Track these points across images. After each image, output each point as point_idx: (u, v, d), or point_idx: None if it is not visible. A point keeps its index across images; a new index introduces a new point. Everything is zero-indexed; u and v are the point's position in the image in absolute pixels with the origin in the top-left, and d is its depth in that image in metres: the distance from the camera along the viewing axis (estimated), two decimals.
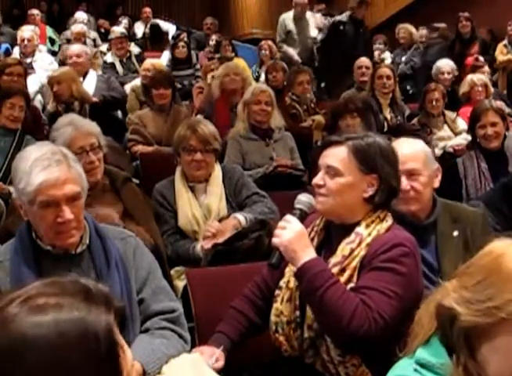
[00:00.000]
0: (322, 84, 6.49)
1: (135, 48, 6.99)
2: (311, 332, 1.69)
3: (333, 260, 1.70)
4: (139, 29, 8.84)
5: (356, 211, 1.75)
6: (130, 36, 7.77)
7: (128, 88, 5.51)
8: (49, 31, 8.28)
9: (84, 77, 5.06)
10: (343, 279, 1.66)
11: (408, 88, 6.35)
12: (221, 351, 1.75)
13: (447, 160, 3.68)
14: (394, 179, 1.78)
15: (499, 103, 4.24)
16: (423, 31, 7.37)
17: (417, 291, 1.66)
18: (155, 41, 8.04)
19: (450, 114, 4.81)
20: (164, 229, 2.81)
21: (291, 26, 6.92)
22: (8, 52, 6.31)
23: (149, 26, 8.30)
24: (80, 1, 10.45)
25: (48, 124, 4.22)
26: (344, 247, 1.70)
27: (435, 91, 4.69)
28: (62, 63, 6.09)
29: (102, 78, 5.22)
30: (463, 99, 5.06)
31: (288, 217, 1.70)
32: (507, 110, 4.71)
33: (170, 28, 8.94)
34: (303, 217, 1.73)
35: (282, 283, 1.80)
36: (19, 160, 1.72)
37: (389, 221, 1.76)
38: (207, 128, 2.94)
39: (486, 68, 6.02)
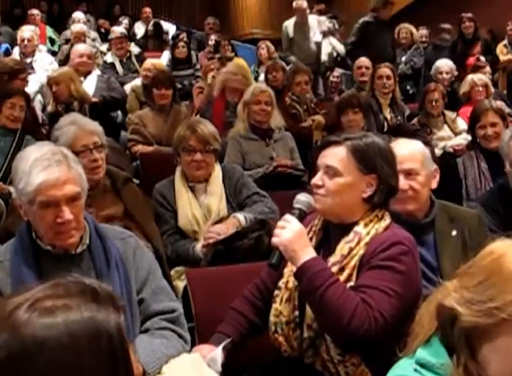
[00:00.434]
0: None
1: (135, 48, 6.99)
2: (311, 332, 1.69)
3: (332, 259, 1.70)
4: (139, 29, 8.84)
5: (355, 210, 1.75)
6: (130, 36, 7.77)
7: (127, 88, 5.51)
8: (49, 31, 8.28)
9: (85, 77, 5.05)
10: (342, 278, 1.66)
11: (408, 88, 6.35)
12: (221, 348, 1.76)
13: (447, 160, 3.68)
14: (393, 179, 1.78)
15: (499, 103, 4.23)
16: (423, 31, 7.38)
17: (416, 290, 1.67)
18: (157, 39, 8.04)
19: (450, 114, 4.81)
20: (163, 229, 2.81)
21: (294, 33, 6.84)
22: (8, 52, 6.31)
23: (152, 23, 8.30)
24: (80, 2, 10.46)
25: (49, 124, 4.22)
26: (342, 247, 1.70)
27: (435, 91, 4.69)
28: (62, 63, 6.09)
29: (102, 78, 5.22)
30: (464, 99, 5.06)
31: (287, 217, 1.70)
32: (507, 110, 4.71)
33: (170, 28, 8.95)
34: (302, 217, 1.73)
35: (281, 283, 1.80)
36: (19, 160, 1.72)
37: (387, 220, 1.76)
38: (207, 128, 2.94)
39: (487, 68, 6.02)
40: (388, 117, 4.98)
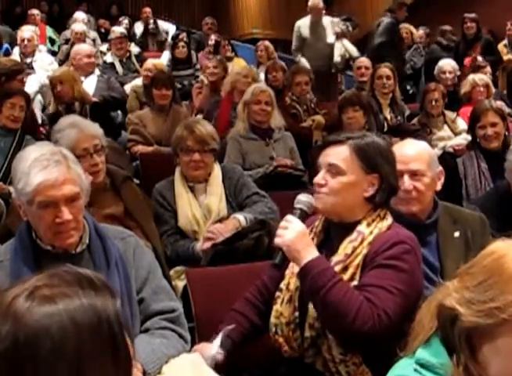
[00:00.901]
0: None
1: (134, 48, 6.99)
2: (313, 331, 1.69)
3: (336, 258, 1.70)
4: (139, 29, 8.85)
5: (356, 210, 1.75)
6: (130, 36, 7.77)
7: (127, 88, 5.51)
8: (49, 31, 8.28)
9: (85, 77, 5.05)
10: (345, 277, 1.66)
11: (408, 88, 6.35)
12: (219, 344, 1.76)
13: (447, 161, 3.67)
14: (394, 179, 1.79)
15: (499, 103, 4.23)
16: (421, 31, 7.38)
17: (419, 289, 1.67)
18: (155, 37, 8.08)
19: (450, 114, 4.81)
20: (163, 230, 2.81)
21: (307, 33, 6.68)
22: (7, 52, 6.31)
23: (151, 22, 8.34)
24: (80, 2, 10.46)
25: (49, 124, 4.22)
26: (346, 246, 1.71)
27: (435, 91, 4.69)
28: (62, 63, 6.09)
29: (102, 78, 5.22)
30: (464, 99, 5.06)
31: (289, 217, 1.70)
32: (507, 110, 4.71)
33: (170, 28, 8.95)
34: (303, 217, 1.73)
35: (282, 285, 1.80)
36: (19, 160, 1.72)
37: (389, 219, 1.77)
38: (205, 128, 2.93)
39: (488, 68, 6.02)
40: (388, 117, 4.98)
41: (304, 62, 6.52)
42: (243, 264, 2.38)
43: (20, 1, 10.61)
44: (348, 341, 1.62)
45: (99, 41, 7.73)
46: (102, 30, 8.50)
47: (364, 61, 5.86)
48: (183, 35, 7.28)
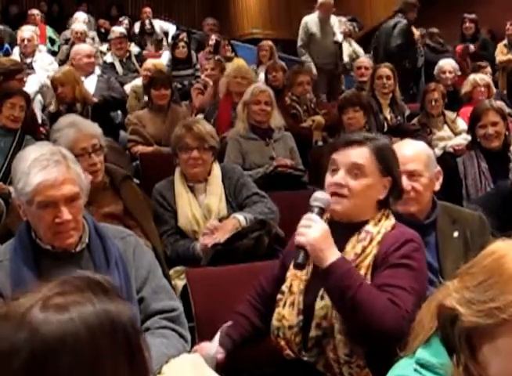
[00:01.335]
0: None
1: (134, 48, 7.00)
2: (319, 331, 1.67)
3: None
4: (139, 29, 8.85)
5: (368, 211, 1.76)
6: (130, 36, 7.77)
7: (127, 88, 5.51)
8: (49, 31, 8.27)
9: (85, 77, 5.05)
10: None
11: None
12: (218, 345, 1.76)
13: (447, 160, 3.68)
14: (401, 181, 1.81)
15: (499, 103, 4.23)
16: (422, 31, 7.38)
17: (424, 286, 1.68)
18: (152, 37, 8.10)
19: (450, 114, 4.82)
20: (163, 229, 2.81)
21: (315, 29, 6.57)
22: (7, 53, 6.31)
23: (147, 22, 8.36)
24: (80, 2, 10.46)
25: (49, 124, 4.22)
26: (355, 245, 1.70)
27: (435, 91, 4.69)
28: (62, 63, 6.09)
29: (102, 79, 5.22)
30: (465, 99, 5.06)
31: (312, 215, 1.65)
32: (507, 110, 4.70)
33: (170, 28, 8.95)
34: (322, 215, 1.68)
35: (284, 287, 1.79)
36: (19, 160, 1.72)
37: (393, 218, 1.78)
38: (203, 126, 2.93)
39: (488, 69, 6.04)
40: (388, 117, 4.98)
41: (308, 62, 6.45)
42: (243, 264, 2.38)
43: (18, 0, 10.60)
44: (373, 341, 1.59)
45: (97, 40, 7.73)
46: (102, 30, 8.50)
47: (364, 61, 5.87)
48: (183, 35, 7.28)
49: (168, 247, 2.76)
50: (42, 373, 0.76)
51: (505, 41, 6.94)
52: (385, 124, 4.85)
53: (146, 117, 4.38)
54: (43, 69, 5.73)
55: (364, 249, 1.69)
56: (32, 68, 5.63)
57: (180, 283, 2.57)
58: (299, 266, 1.64)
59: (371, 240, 1.70)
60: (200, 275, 2.32)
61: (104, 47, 6.99)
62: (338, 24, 6.88)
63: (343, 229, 1.73)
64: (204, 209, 2.85)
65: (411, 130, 4.37)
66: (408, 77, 6.11)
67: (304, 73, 5.27)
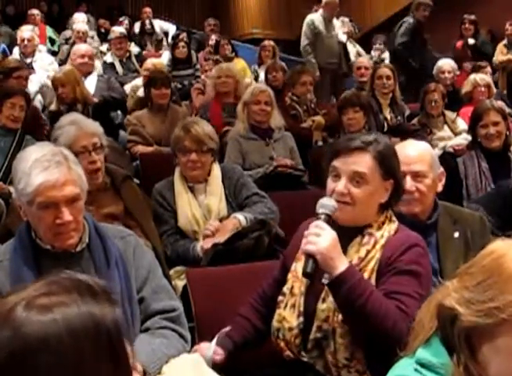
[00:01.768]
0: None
1: (134, 48, 7.00)
2: (320, 333, 1.67)
3: None
4: (139, 29, 8.85)
5: (371, 215, 1.75)
6: (130, 36, 7.77)
7: (127, 88, 5.51)
8: (49, 31, 8.28)
9: (85, 77, 5.05)
10: None
11: (404, 87, 6.35)
12: (217, 346, 1.75)
13: (447, 161, 3.68)
14: (402, 182, 1.80)
15: (500, 103, 4.23)
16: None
17: (430, 290, 1.67)
18: (151, 37, 8.11)
19: (450, 114, 4.82)
20: (163, 230, 2.81)
21: (321, 27, 6.44)
22: (5, 53, 6.30)
23: (147, 22, 8.37)
24: (80, 2, 10.46)
25: (50, 124, 4.22)
26: (358, 249, 1.70)
27: (435, 91, 4.69)
28: (62, 63, 6.09)
29: (102, 79, 5.23)
30: (465, 99, 5.06)
31: (320, 223, 1.63)
32: (507, 110, 4.71)
33: (170, 28, 8.95)
34: (329, 221, 1.66)
35: (285, 289, 1.78)
36: (20, 160, 1.71)
37: (396, 221, 1.77)
38: (202, 128, 2.92)
39: (489, 69, 6.04)
40: (388, 117, 4.98)
41: (313, 62, 6.35)
42: (243, 264, 2.38)
43: (18, 0, 10.60)
44: (375, 347, 1.59)
45: (97, 41, 7.73)
46: (102, 30, 8.50)
47: (364, 61, 5.88)
48: (183, 35, 7.29)
49: (168, 247, 2.76)
50: (20, 373, 0.76)
51: (505, 41, 6.95)
52: (385, 124, 4.85)
53: (146, 117, 4.38)
54: (43, 69, 5.74)
55: (368, 253, 1.68)
56: (32, 68, 5.63)
57: (180, 283, 2.57)
58: (308, 275, 1.62)
59: (375, 244, 1.69)
60: (200, 275, 2.32)
61: (104, 47, 6.99)
62: (341, 24, 6.84)
63: (345, 233, 1.71)
64: (204, 209, 2.85)
65: (411, 130, 4.37)
66: (413, 77, 6.07)
67: (308, 73, 5.27)
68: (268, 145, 3.91)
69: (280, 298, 1.78)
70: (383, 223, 1.74)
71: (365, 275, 1.65)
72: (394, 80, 5.05)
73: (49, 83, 4.79)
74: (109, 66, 6.16)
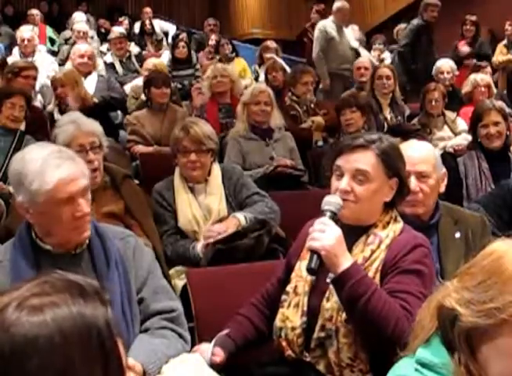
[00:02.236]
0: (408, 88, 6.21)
1: (134, 48, 7.00)
2: (323, 332, 1.67)
3: None
4: (139, 29, 8.85)
5: (375, 214, 1.75)
6: (130, 36, 7.77)
7: (127, 88, 5.51)
8: (49, 31, 8.27)
9: (85, 77, 5.05)
10: None
11: (408, 88, 6.35)
12: (217, 347, 1.75)
13: (447, 161, 3.68)
14: (407, 180, 1.81)
15: (500, 103, 4.23)
16: None
17: (431, 290, 1.67)
18: (151, 37, 8.11)
19: (450, 114, 4.81)
20: (163, 230, 2.81)
21: (334, 33, 6.35)
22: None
23: (147, 22, 8.37)
24: (80, 1, 10.46)
25: (49, 124, 4.23)
26: (363, 249, 1.70)
27: (435, 91, 4.69)
28: (62, 63, 6.09)
29: (102, 79, 5.23)
30: (466, 99, 5.06)
31: (325, 220, 1.63)
32: (507, 110, 4.71)
33: (170, 28, 8.95)
34: (334, 219, 1.66)
35: (288, 288, 1.78)
36: (25, 162, 1.67)
37: (401, 221, 1.77)
38: (201, 128, 2.91)
39: (488, 69, 6.04)
40: (388, 117, 4.99)
41: (326, 78, 6.24)
42: (243, 264, 2.38)
43: (18, 0, 10.60)
44: (383, 346, 1.57)
45: (97, 41, 7.72)
46: (102, 30, 8.50)
47: (364, 61, 5.87)
48: (183, 35, 7.29)
49: (168, 247, 2.76)
50: (8, 373, 0.76)
51: (505, 42, 6.94)
52: (385, 124, 4.85)
53: (145, 117, 4.38)
54: (43, 69, 5.73)
55: (373, 253, 1.68)
56: None
57: (179, 282, 2.57)
58: (312, 271, 1.62)
59: (380, 244, 1.69)
60: (200, 275, 2.32)
61: (104, 47, 6.99)
62: (351, 30, 6.81)
63: (350, 232, 1.70)
64: (204, 209, 2.85)
65: (411, 130, 4.37)
66: (416, 78, 6.06)
67: (310, 73, 5.26)
68: (268, 145, 3.91)
69: (284, 297, 1.78)
70: (388, 223, 1.74)
71: (370, 274, 1.65)
72: (394, 80, 5.06)
73: (49, 83, 4.79)
74: (109, 67, 6.15)
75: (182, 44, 6.51)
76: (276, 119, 4.04)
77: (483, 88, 4.95)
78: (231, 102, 4.67)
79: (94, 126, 2.69)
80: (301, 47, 8.27)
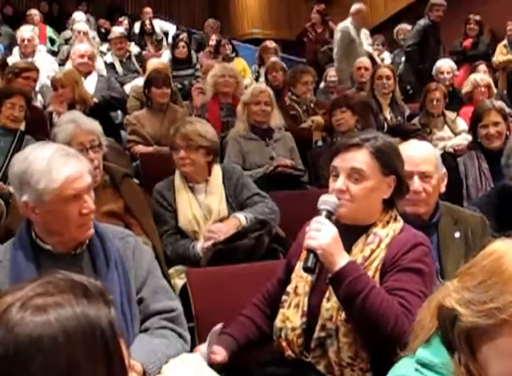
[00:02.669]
0: (408, 87, 6.22)
1: (134, 48, 7.00)
2: (323, 332, 1.67)
3: None
4: (139, 29, 8.85)
5: (374, 212, 1.75)
6: (130, 36, 7.77)
7: (127, 88, 5.51)
8: (49, 31, 8.27)
9: (85, 77, 5.05)
10: None
11: (408, 88, 6.35)
12: (218, 346, 1.75)
13: (447, 161, 3.67)
14: (406, 179, 1.80)
15: (500, 103, 4.23)
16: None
17: (432, 289, 1.67)
18: (151, 37, 8.12)
19: (450, 114, 4.81)
20: (164, 229, 2.81)
21: (354, 35, 6.34)
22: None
23: (147, 22, 8.38)
24: (80, 1, 10.46)
25: (49, 124, 4.23)
26: (363, 248, 1.70)
27: (436, 91, 4.69)
28: (62, 63, 6.09)
29: (102, 79, 5.23)
30: (466, 99, 5.06)
31: (322, 219, 1.64)
32: (507, 110, 4.70)
33: (170, 28, 8.95)
34: (330, 218, 1.66)
35: (289, 288, 1.78)
36: (30, 162, 1.65)
37: (401, 220, 1.77)
38: (193, 126, 2.91)
39: (483, 66, 6.03)
40: (388, 117, 4.99)
41: (348, 85, 6.16)
42: (243, 264, 2.38)
43: (19, 0, 10.60)
44: (383, 345, 1.57)
45: (97, 41, 7.72)
46: (102, 30, 8.50)
47: (363, 62, 5.87)
48: (183, 35, 7.29)
49: (168, 246, 2.77)
50: (12, 373, 0.76)
51: (505, 42, 6.94)
52: (385, 124, 4.85)
53: (145, 117, 4.38)
54: (43, 69, 5.73)
55: (372, 252, 1.68)
56: None
57: (179, 282, 2.57)
58: (308, 270, 1.62)
59: (379, 243, 1.69)
60: (200, 275, 2.32)
61: (104, 47, 6.99)
62: (364, 34, 6.79)
63: (349, 232, 1.71)
64: (204, 209, 2.85)
65: (411, 130, 4.37)
66: (423, 78, 6.04)
67: (309, 73, 5.27)
68: (268, 145, 3.92)
69: (284, 297, 1.78)
70: (388, 222, 1.74)
71: (370, 274, 1.65)
72: (394, 80, 5.06)
73: (49, 83, 4.79)
74: (109, 67, 6.15)
75: (182, 44, 6.51)
76: (276, 119, 4.04)
77: (483, 88, 4.95)
78: (232, 102, 4.67)
79: (93, 125, 2.70)
80: (301, 47, 8.27)
